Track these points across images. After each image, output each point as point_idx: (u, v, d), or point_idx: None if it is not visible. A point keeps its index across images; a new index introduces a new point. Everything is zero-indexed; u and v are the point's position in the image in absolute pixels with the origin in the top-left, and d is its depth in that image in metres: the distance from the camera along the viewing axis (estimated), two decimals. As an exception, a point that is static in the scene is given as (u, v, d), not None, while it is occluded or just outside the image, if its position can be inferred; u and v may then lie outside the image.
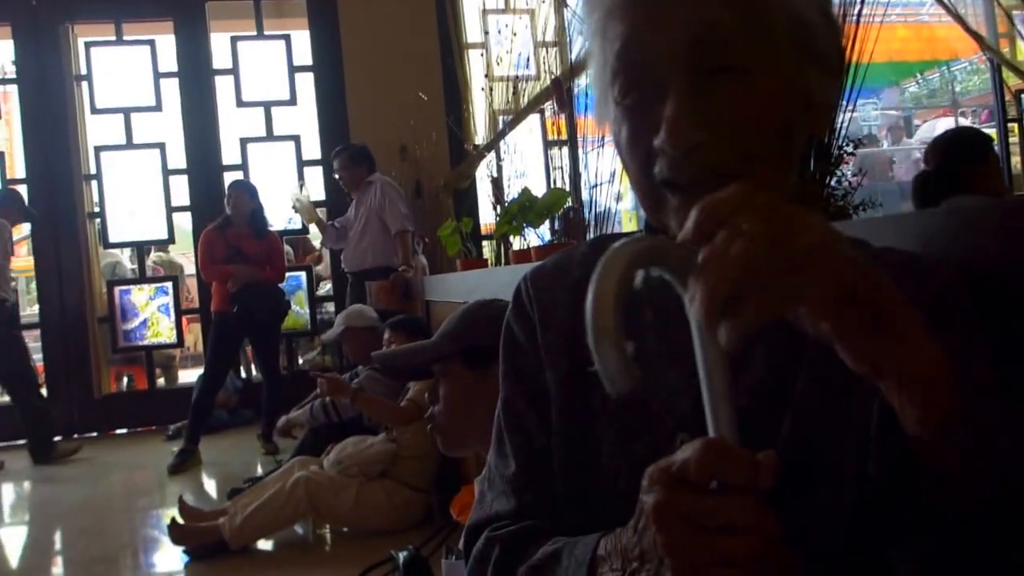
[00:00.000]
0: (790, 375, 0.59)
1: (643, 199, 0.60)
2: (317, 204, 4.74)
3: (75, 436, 4.50)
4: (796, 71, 0.57)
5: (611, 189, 3.56)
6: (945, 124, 7.25)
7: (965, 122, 7.31)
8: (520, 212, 2.62)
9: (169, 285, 5.28)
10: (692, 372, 0.58)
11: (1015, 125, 6.24)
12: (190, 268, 5.68)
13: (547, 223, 2.97)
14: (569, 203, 3.15)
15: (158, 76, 5.16)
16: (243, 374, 5.40)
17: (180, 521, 2.65)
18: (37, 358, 5.45)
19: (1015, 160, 6.35)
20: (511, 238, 3.14)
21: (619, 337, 0.41)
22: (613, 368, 0.41)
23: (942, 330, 0.51)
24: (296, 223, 5.38)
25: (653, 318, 0.63)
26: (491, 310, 1.30)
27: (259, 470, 3.82)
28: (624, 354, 0.41)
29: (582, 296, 0.66)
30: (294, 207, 4.44)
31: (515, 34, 4.64)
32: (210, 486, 3.59)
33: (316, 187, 5.30)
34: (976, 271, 0.63)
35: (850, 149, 1.83)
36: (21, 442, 4.79)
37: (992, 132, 6.39)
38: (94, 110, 5.17)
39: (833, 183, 1.81)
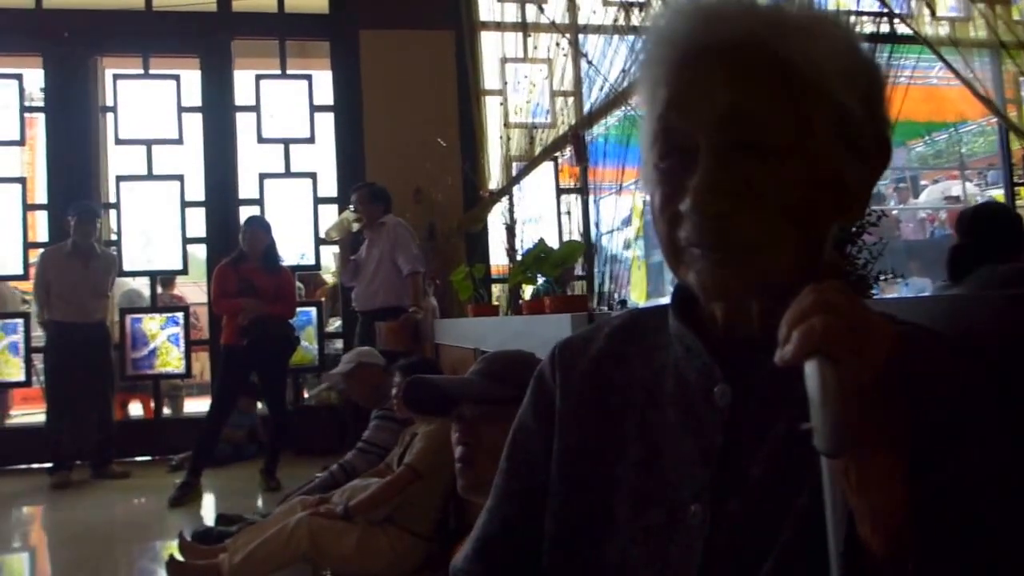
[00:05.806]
0: (806, 449, 0.61)
1: (669, 257, 0.64)
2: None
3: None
4: (829, 157, 0.59)
5: (621, 236, 3.60)
6: (956, 187, 7.37)
7: (971, 184, 7.41)
8: (535, 263, 2.65)
9: (180, 315, 5.31)
10: (709, 442, 0.62)
11: (1022, 188, 6.34)
12: (201, 298, 5.72)
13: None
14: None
15: (181, 110, 5.27)
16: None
17: (179, 558, 2.63)
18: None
19: (1022, 222, 6.43)
20: (523, 286, 3.16)
21: (839, 404, 0.44)
22: (831, 428, 0.44)
23: (950, 422, 0.53)
24: (309, 259, 5.43)
25: (675, 389, 0.66)
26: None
27: (259, 505, 3.81)
28: (843, 420, 0.44)
29: (601, 366, 0.71)
30: (340, 223, 4.40)
31: (534, 85, 4.73)
32: (211, 521, 3.56)
33: (330, 223, 5.36)
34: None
35: (872, 219, 1.84)
36: (23, 466, 4.80)
37: (998, 193, 6.50)
38: (117, 141, 5.27)
39: (853, 252, 1.83)
